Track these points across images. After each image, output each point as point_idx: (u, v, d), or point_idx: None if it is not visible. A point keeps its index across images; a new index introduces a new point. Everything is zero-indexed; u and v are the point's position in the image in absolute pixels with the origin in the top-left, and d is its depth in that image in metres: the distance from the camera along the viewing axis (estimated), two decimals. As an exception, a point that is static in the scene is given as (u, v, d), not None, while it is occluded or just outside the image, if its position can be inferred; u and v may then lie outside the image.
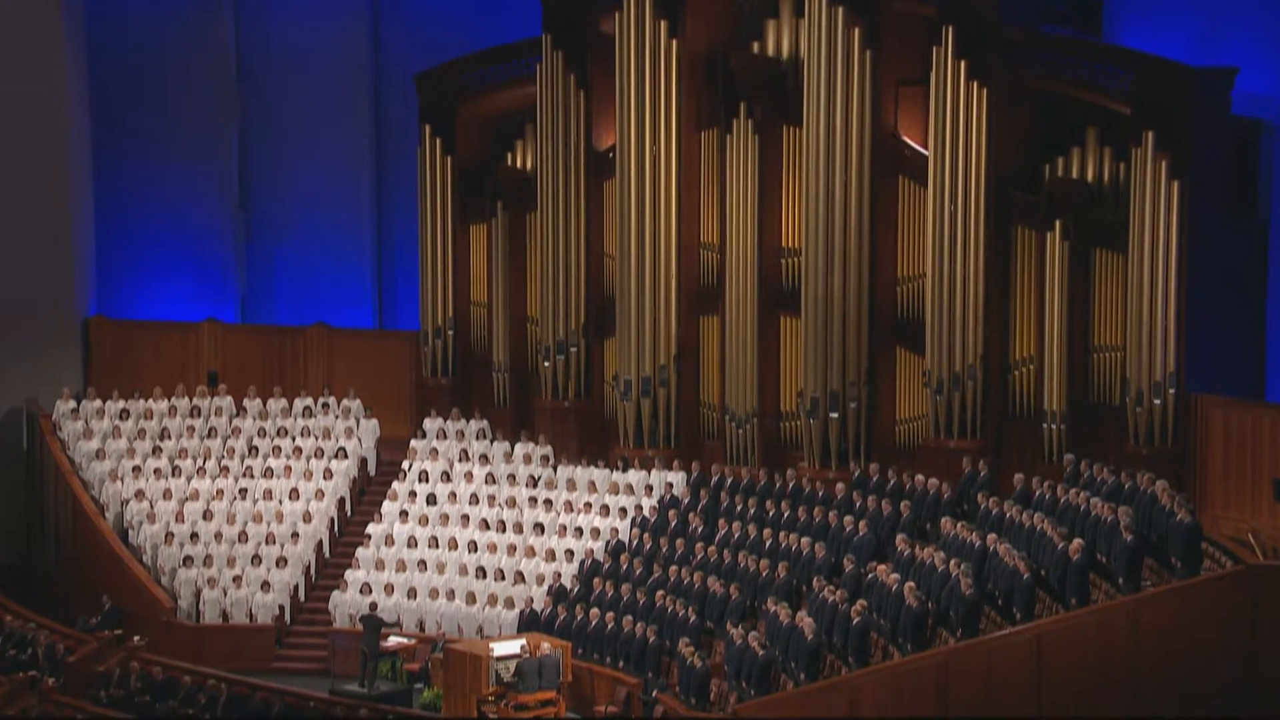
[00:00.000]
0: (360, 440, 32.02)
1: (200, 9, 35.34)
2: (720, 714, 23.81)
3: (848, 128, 27.98)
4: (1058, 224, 26.75)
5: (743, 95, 29.13)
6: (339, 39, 35.83)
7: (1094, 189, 27.09)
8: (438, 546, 29.40)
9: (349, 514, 31.37)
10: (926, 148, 27.82)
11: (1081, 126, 27.23)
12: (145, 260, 35.36)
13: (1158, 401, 25.78)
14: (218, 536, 30.14)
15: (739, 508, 27.75)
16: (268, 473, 31.30)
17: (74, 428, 31.94)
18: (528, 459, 30.67)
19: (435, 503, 30.30)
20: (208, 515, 30.47)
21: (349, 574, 29.44)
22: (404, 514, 30.22)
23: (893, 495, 26.41)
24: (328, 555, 30.64)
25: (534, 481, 30.13)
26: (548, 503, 29.55)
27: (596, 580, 27.40)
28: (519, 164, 32.54)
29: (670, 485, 29.07)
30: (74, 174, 33.69)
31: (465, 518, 29.78)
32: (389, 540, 29.77)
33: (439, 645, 27.16)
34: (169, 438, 31.95)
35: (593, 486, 29.72)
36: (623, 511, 28.99)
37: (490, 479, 30.44)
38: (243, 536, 30.07)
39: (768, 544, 26.54)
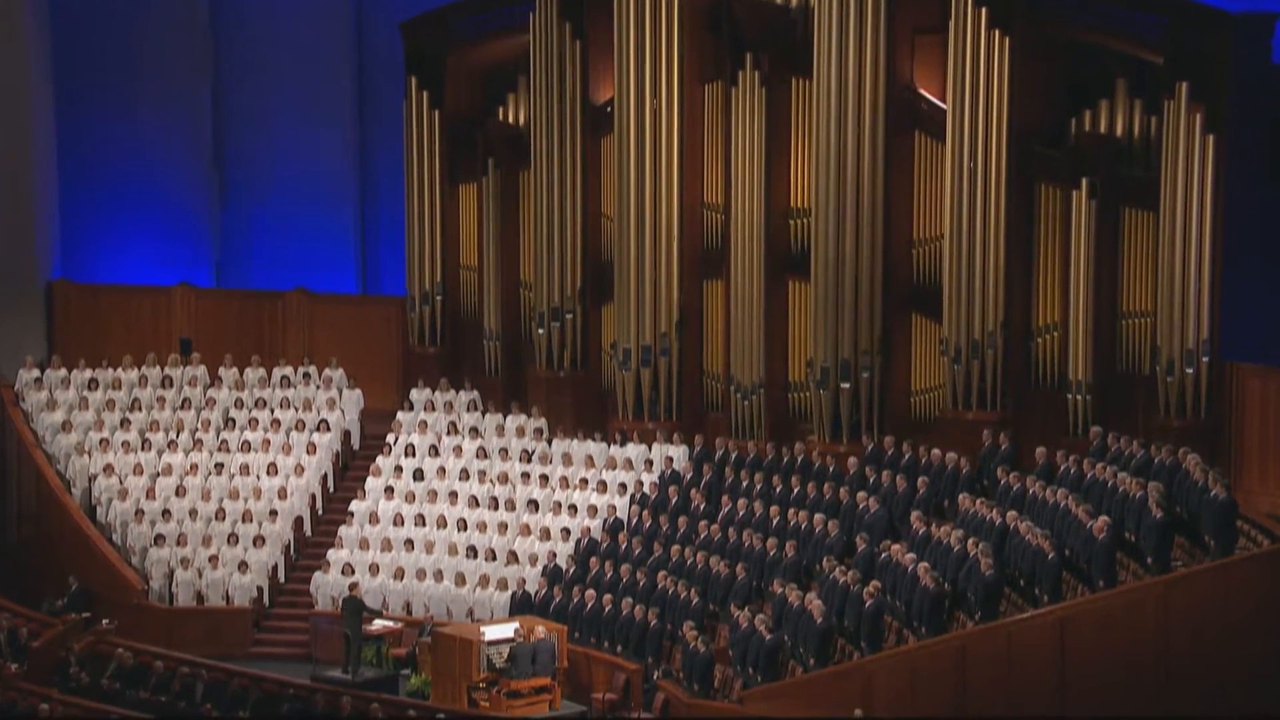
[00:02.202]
0: (343, 412, 32.04)
1: (170, -47, 35.31)
2: (725, 701, 23.91)
3: (860, 80, 27.95)
4: (1084, 182, 26.73)
5: (749, 45, 29.09)
6: (319, -16, 35.81)
7: (1123, 144, 27.08)
8: (425, 525, 29.45)
9: (331, 490, 31.42)
10: (945, 101, 27.79)
11: (1110, 77, 27.22)
12: (113, 221, 35.30)
13: (1190, 370, 25.81)
14: (192, 514, 30.19)
15: (744, 484, 27.81)
16: (245, 446, 31.33)
17: (38, 398, 31.95)
18: (521, 432, 30.70)
19: (423, 478, 30.34)
20: (181, 491, 30.51)
21: (331, 554, 29.51)
22: (389, 490, 30.26)
23: (908, 470, 26.47)
24: (309, 534, 30.70)
25: (527, 456, 30.19)
26: (542, 478, 29.60)
27: (594, 560, 27.46)
28: (511, 119, 32.49)
29: (671, 460, 29.12)
30: (35, 129, 33.59)
31: (454, 494, 29.82)
32: (374, 518, 29.82)
33: (427, 629, 27.23)
34: (139, 409, 31.96)
35: (590, 461, 29.77)
36: (621, 488, 29.04)
37: (481, 453, 30.47)
38: (219, 514, 30.11)
39: (775, 522, 26.60)
